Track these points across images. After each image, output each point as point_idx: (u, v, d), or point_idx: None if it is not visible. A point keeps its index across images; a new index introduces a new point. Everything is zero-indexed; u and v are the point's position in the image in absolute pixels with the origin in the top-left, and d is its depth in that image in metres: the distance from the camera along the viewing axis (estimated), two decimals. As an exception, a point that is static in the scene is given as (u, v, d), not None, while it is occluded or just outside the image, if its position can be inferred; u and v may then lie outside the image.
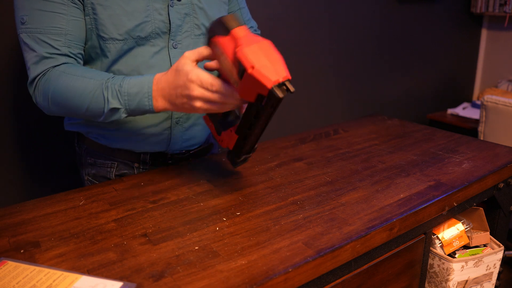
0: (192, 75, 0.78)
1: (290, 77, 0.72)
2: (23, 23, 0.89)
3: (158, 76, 0.84)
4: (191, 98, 0.79)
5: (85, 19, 0.93)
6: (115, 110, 0.86)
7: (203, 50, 0.82)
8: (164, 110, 0.86)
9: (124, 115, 0.88)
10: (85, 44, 0.96)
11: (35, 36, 0.89)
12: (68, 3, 0.90)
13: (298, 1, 2.05)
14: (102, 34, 0.93)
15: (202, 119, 1.12)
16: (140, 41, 0.96)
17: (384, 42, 2.49)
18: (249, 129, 0.82)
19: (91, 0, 0.91)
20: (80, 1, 0.91)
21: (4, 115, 1.40)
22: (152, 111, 0.86)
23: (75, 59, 0.94)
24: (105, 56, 0.96)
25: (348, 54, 2.33)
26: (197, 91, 0.78)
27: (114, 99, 0.85)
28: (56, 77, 0.89)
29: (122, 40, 0.94)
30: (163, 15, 0.96)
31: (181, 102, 0.81)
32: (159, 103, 0.84)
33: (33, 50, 0.90)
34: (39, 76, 0.90)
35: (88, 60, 0.99)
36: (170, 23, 0.97)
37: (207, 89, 0.78)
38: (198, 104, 0.79)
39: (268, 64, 0.71)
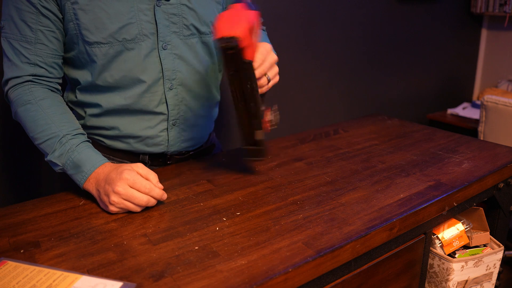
0: (126, 174, 0.83)
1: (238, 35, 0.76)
2: (2, 28, 0.94)
3: (106, 164, 0.89)
4: (112, 191, 0.82)
5: (68, 26, 0.94)
6: (54, 163, 0.91)
7: (153, 177, 0.86)
8: (88, 191, 0.89)
9: (59, 171, 0.92)
10: (72, 50, 0.97)
11: (10, 42, 0.93)
12: (37, 13, 0.91)
13: (298, 1, 2.05)
14: (87, 39, 0.93)
15: (200, 120, 1.11)
16: (128, 44, 0.95)
17: (384, 42, 2.49)
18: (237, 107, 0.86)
19: (72, 6, 0.91)
20: (52, 12, 0.91)
21: (4, 114, 1.40)
22: (79, 186, 0.89)
23: (45, 69, 0.95)
24: (93, 61, 0.96)
25: (348, 54, 2.33)
26: (120, 187, 0.82)
27: (58, 156, 0.89)
28: (26, 102, 0.93)
29: (106, 43, 0.94)
30: (149, 16, 0.96)
31: (103, 192, 0.84)
32: (89, 184, 0.88)
33: (6, 54, 0.94)
34: (11, 85, 0.94)
35: (78, 66, 0.99)
36: (156, 24, 0.97)
37: (136, 189, 0.83)
38: (114, 199, 0.82)
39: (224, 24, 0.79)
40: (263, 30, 1.25)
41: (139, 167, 0.86)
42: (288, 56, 2.08)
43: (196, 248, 0.71)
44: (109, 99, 0.99)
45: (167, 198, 0.89)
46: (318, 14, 2.14)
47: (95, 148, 1.09)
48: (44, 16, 0.91)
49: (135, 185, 0.83)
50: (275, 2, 1.97)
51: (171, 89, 1.02)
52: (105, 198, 0.84)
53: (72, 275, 0.64)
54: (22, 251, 0.72)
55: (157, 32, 0.97)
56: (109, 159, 1.09)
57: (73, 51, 0.97)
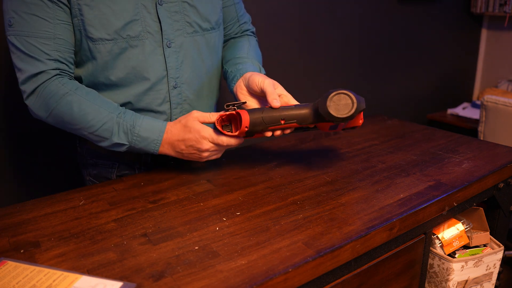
0: (204, 133, 0.91)
1: None
2: (10, 25, 0.90)
3: (169, 126, 0.95)
4: (201, 150, 0.93)
5: (73, 22, 0.93)
6: (120, 144, 0.94)
7: (211, 117, 0.92)
8: (165, 154, 0.97)
9: (125, 150, 0.95)
10: (75, 47, 0.96)
11: (23, 39, 0.89)
12: (53, 7, 0.89)
13: (298, 1, 2.05)
14: (90, 35, 0.92)
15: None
16: (132, 41, 0.95)
17: (384, 42, 2.49)
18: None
19: (77, 1, 0.90)
20: (65, 4, 0.90)
21: (5, 114, 1.40)
22: (154, 153, 0.97)
23: (66, 64, 0.94)
24: (96, 58, 0.95)
25: (347, 55, 2.33)
26: (207, 145, 0.92)
27: (123, 136, 0.93)
28: (63, 95, 0.91)
29: (111, 40, 0.93)
30: (152, 14, 0.95)
31: (189, 153, 0.94)
32: (165, 149, 0.95)
33: (22, 52, 0.90)
34: (39, 82, 0.91)
35: (79, 63, 0.98)
36: (160, 22, 0.97)
37: (216, 144, 0.92)
38: (205, 154, 0.94)
39: None
40: (254, 36, 1.26)
41: (197, 116, 0.93)
42: (287, 57, 2.08)
43: (196, 248, 0.71)
44: (112, 98, 0.99)
45: (167, 198, 0.89)
46: (318, 14, 2.14)
47: (96, 148, 1.09)
48: (61, 9, 0.90)
49: (216, 141, 0.92)
50: (274, 2, 1.97)
51: (175, 88, 1.02)
52: (193, 157, 0.95)
53: (72, 275, 0.64)
54: (22, 251, 0.72)
55: (161, 30, 0.97)
56: (109, 159, 1.09)
57: (76, 48, 0.96)
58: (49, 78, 0.91)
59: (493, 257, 1.00)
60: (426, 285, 1.00)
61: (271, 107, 0.90)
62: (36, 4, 0.88)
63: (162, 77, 1.00)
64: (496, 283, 1.05)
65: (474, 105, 2.86)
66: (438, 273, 0.97)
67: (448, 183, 0.95)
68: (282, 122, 0.89)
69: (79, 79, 1.00)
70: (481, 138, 2.17)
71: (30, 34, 0.89)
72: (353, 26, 2.31)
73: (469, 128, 2.52)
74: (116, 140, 0.93)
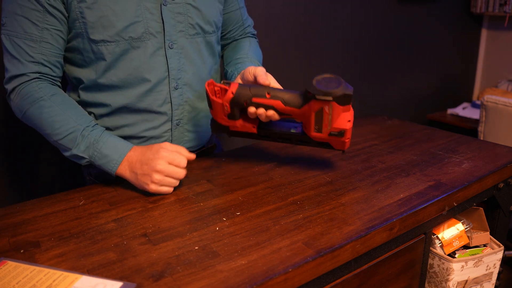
0: (162, 152, 0.89)
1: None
2: (3, 25, 0.92)
3: (135, 148, 0.93)
4: (154, 170, 0.88)
5: (68, 27, 0.94)
6: (79, 157, 0.92)
7: (184, 150, 0.92)
8: (121, 176, 0.93)
9: (85, 164, 0.94)
10: (76, 49, 0.96)
11: (12, 39, 0.91)
12: (43, 12, 0.90)
13: (297, 1, 2.05)
14: (93, 37, 0.93)
15: (203, 120, 1.12)
16: (134, 42, 0.95)
17: (384, 42, 2.49)
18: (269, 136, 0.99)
19: (78, 4, 0.90)
20: (59, 10, 0.91)
21: (5, 114, 1.40)
22: (111, 174, 0.93)
23: (50, 68, 0.95)
24: (99, 59, 0.95)
25: (347, 55, 2.33)
26: (161, 165, 0.88)
27: (84, 149, 0.92)
28: (37, 99, 0.92)
29: (113, 42, 0.94)
30: (155, 15, 0.96)
31: (142, 173, 0.89)
32: (122, 167, 0.92)
33: (9, 53, 0.92)
34: (18, 83, 0.93)
35: (82, 65, 0.98)
36: (163, 23, 0.97)
37: (174, 166, 0.89)
38: (156, 177, 0.88)
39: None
40: (254, 37, 1.26)
41: (168, 145, 0.91)
42: (287, 57, 2.08)
43: (196, 248, 0.71)
44: (113, 99, 0.99)
45: (167, 198, 0.89)
46: (318, 14, 2.14)
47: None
48: (51, 14, 0.91)
49: (174, 162, 0.89)
50: (274, 2, 1.97)
51: (176, 89, 1.02)
52: (145, 178, 0.89)
53: (72, 275, 0.64)
54: (22, 251, 0.72)
55: (164, 31, 0.97)
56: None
57: (77, 50, 0.97)
58: (28, 80, 0.93)
59: (493, 257, 1.00)
60: (426, 285, 1.00)
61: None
62: (28, 7, 0.89)
63: (163, 78, 1.00)
64: (496, 283, 1.05)
65: (474, 105, 2.86)
66: (438, 273, 0.97)
67: (448, 183, 0.95)
68: (268, 96, 0.91)
69: (80, 80, 1.00)
70: (481, 138, 2.17)
71: (19, 35, 0.91)
72: (353, 26, 2.31)
73: (469, 128, 2.52)
74: (76, 151, 0.91)
